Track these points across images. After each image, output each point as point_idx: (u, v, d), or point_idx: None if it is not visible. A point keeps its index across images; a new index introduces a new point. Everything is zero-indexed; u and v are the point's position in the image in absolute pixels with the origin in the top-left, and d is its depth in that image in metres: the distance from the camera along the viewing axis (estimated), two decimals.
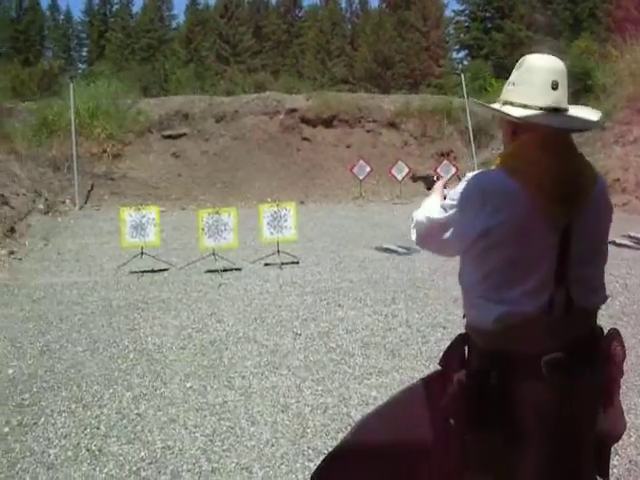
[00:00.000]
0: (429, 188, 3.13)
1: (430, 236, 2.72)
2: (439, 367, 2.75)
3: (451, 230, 2.56)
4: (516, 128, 2.55)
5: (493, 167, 2.51)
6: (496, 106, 2.62)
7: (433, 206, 2.76)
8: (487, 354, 2.45)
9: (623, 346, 2.54)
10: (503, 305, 2.39)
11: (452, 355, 2.63)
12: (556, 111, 2.49)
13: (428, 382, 2.85)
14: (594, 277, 2.51)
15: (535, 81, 2.50)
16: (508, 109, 2.54)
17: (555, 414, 2.37)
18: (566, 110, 2.54)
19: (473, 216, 2.42)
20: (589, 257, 2.46)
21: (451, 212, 2.54)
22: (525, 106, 2.50)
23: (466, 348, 2.58)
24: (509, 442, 2.40)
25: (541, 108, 2.48)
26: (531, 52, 2.65)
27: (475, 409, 2.41)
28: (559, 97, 2.50)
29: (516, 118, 2.51)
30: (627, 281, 9.58)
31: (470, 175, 2.53)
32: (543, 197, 2.35)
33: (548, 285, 2.38)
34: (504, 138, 2.68)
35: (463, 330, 2.65)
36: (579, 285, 2.41)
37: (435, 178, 3.23)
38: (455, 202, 2.52)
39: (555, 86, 2.48)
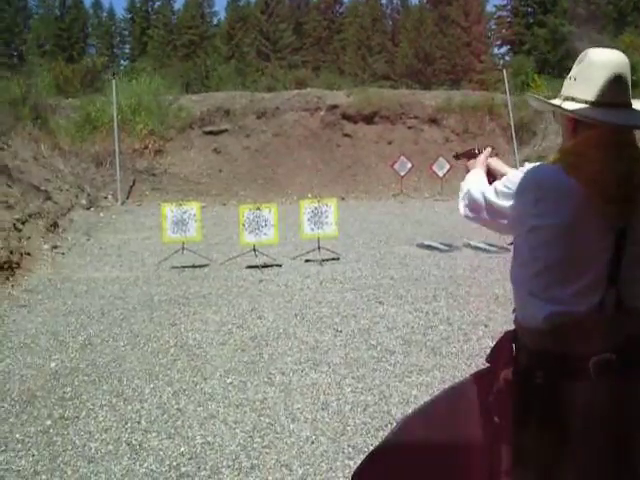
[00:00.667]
0: (469, 158, 3.07)
1: (479, 213, 2.69)
2: (482, 365, 2.71)
3: (503, 217, 2.55)
4: (577, 125, 2.46)
5: (549, 162, 2.45)
6: (556, 102, 2.53)
7: (481, 182, 2.72)
8: (534, 353, 2.41)
9: None
10: (553, 304, 2.34)
11: (499, 352, 2.60)
12: (618, 107, 2.39)
13: (472, 381, 2.82)
14: None
15: (597, 76, 2.40)
16: (569, 105, 2.45)
17: (603, 415, 2.31)
18: (629, 105, 2.43)
19: (526, 211, 2.39)
20: None
21: (504, 200, 2.51)
22: (586, 102, 2.40)
23: (514, 345, 2.53)
24: (555, 441, 2.35)
25: (602, 104, 2.38)
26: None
27: (521, 407, 2.38)
28: (622, 92, 2.40)
29: (570, 112, 2.44)
30: None
31: (527, 166, 2.47)
32: (598, 196, 2.28)
33: (600, 285, 2.31)
34: (564, 135, 2.58)
35: (507, 327, 2.62)
36: (632, 285, 2.34)
37: (477, 151, 3.13)
38: (510, 191, 2.48)
39: (618, 81, 2.38)
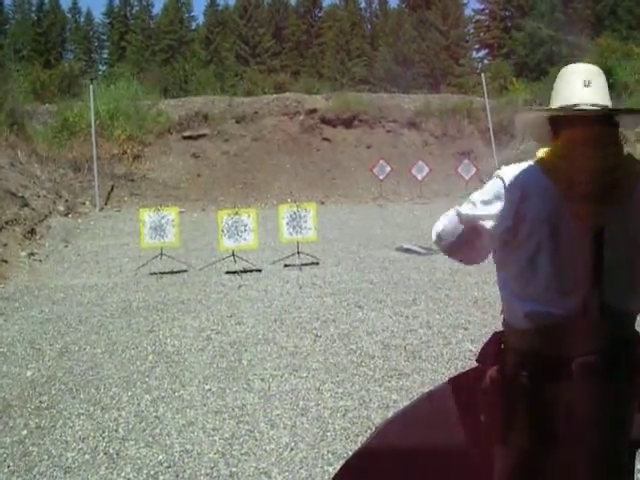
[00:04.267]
0: None
1: (458, 241, 2.66)
2: (461, 369, 2.73)
3: (483, 222, 2.51)
4: (557, 130, 2.51)
5: (527, 163, 2.48)
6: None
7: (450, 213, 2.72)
8: (520, 352, 2.44)
9: None
10: (533, 303, 2.38)
11: (488, 352, 2.61)
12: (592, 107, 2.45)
13: (453, 384, 2.85)
14: (633, 285, 2.42)
15: (567, 83, 2.50)
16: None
17: (586, 417, 2.34)
18: (605, 107, 2.48)
19: (510, 208, 2.41)
20: (629, 260, 2.38)
21: (484, 207, 2.50)
22: (562, 108, 2.47)
23: (502, 345, 2.56)
24: (540, 440, 2.39)
25: (576, 105, 2.44)
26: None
27: (507, 406, 2.42)
28: (594, 94, 2.45)
29: (553, 110, 2.51)
30: None
31: (503, 170, 2.50)
32: (574, 195, 2.31)
33: (580, 286, 2.33)
34: (547, 141, 2.61)
35: (487, 330, 2.64)
36: (616, 288, 2.35)
37: None
38: (490, 197, 2.49)
39: (587, 84, 2.46)
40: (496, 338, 2.59)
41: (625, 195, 2.35)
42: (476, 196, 2.55)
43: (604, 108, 2.45)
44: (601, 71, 2.53)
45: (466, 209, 2.58)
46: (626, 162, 2.43)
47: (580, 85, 2.46)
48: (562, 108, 2.47)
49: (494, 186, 2.48)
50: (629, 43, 26.16)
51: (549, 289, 2.35)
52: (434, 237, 2.78)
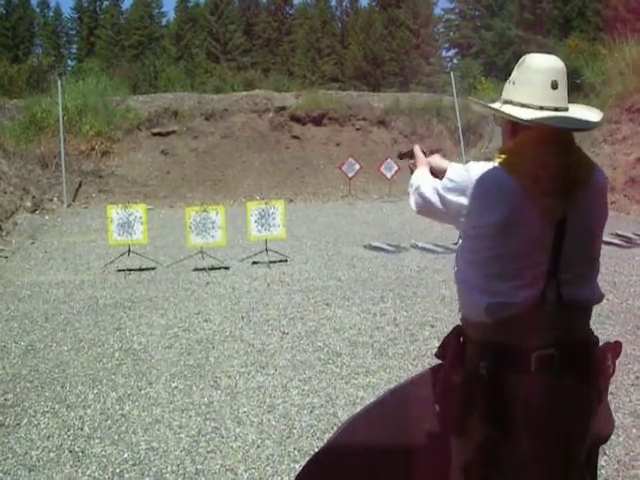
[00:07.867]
0: (413, 157, 3.06)
1: (432, 207, 2.67)
2: (428, 365, 2.75)
3: (458, 210, 2.54)
4: (515, 126, 2.54)
5: (493, 163, 2.50)
6: (496, 105, 2.61)
7: (430, 178, 2.77)
8: (478, 344, 2.47)
9: (615, 360, 2.52)
10: (494, 297, 2.40)
11: (447, 346, 2.64)
12: (556, 110, 2.48)
13: (416, 382, 2.87)
14: (586, 273, 2.50)
15: (534, 80, 2.50)
16: (508, 108, 2.54)
17: (543, 411, 2.37)
18: (566, 109, 2.52)
19: (470, 208, 2.46)
20: (582, 253, 2.46)
21: (452, 195, 2.54)
22: (524, 105, 2.49)
23: (461, 339, 2.59)
24: (497, 432, 2.41)
25: (541, 107, 2.47)
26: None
27: (465, 397, 2.44)
28: (559, 96, 2.50)
29: (506, 115, 2.53)
30: (615, 279, 9.54)
31: (471, 164, 2.54)
32: (537, 190, 2.36)
33: (540, 278, 2.37)
34: (504, 136, 2.68)
35: (457, 323, 2.67)
36: (571, 280, 2.41)
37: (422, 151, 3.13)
38: (456, 184, 2.52)
39: (555, 86, 2.48)
40: (456, 332, 2.62)
41: (582, 189, 2.42)
42: (446, 181, 2.58)
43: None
44: (564, 66, 2.55)
45: (442, 190, 2.59)
46: (580, 158, 2.50)
47: (548, 86, 2.48)
48: (524, 105, 2.49)
49: (459, 175, 2.52)
50: (596, 44, 26.41)
51: (512, 284, 2.38)
52: (412, 203, 2.79)
